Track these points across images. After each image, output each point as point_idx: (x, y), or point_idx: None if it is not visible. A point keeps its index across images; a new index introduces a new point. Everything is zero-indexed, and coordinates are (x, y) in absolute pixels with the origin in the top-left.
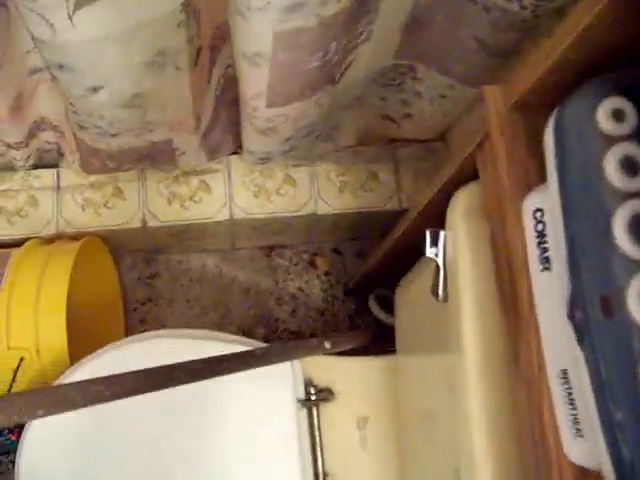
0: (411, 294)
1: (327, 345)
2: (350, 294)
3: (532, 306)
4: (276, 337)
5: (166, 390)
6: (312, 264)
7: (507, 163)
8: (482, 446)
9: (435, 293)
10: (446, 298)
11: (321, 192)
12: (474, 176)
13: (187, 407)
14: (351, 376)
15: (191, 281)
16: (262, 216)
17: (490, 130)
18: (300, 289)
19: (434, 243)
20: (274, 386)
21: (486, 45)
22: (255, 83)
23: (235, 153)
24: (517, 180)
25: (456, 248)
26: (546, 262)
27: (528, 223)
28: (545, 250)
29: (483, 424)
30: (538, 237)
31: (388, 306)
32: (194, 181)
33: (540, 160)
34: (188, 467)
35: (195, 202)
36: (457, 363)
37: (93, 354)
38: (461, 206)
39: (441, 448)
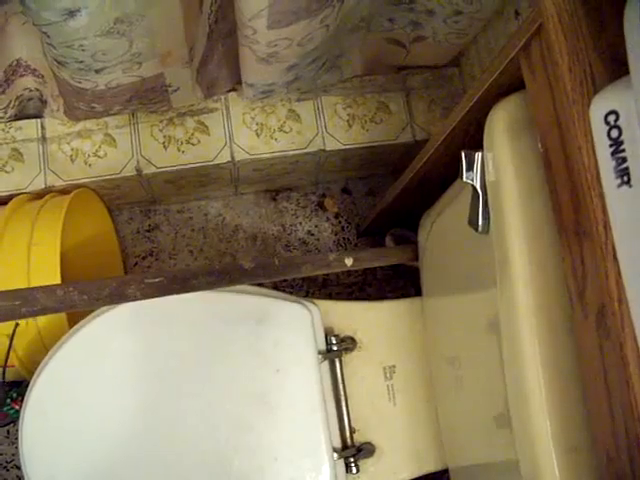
0: (439, 229)
1: (348, 262)
2: (363, 235)
3: (607, 230)
4: (287, 285)
5: (185, 344)
6: (321, 206)
7: (568, 59)
8: (537, 388)
9: (474, 224)
10: (487, 229)
11: (328, 127)
12: (513, 89)
13: (207, 359)
14: (374, 322)
15: (193, 231)
16: (266, 156)
17: (545, 21)
18: (310, 233)
19: (470, 167)
20: (293, 337)
21: None
22: (255, 0)
23: (233, 90)
24: (580, 80)
25: (498, 171)
26: (624, 175)
27: (598, 130)
28: (622, 161)
29: (538, 365)
30: (612, 146)
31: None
32: (190, 122)
33: (608, 54)
34: (207, 424)
35: (193, 145)
36: (505, 300)
37: (94, 313)
38: (502, 122)
39: (479, 393)
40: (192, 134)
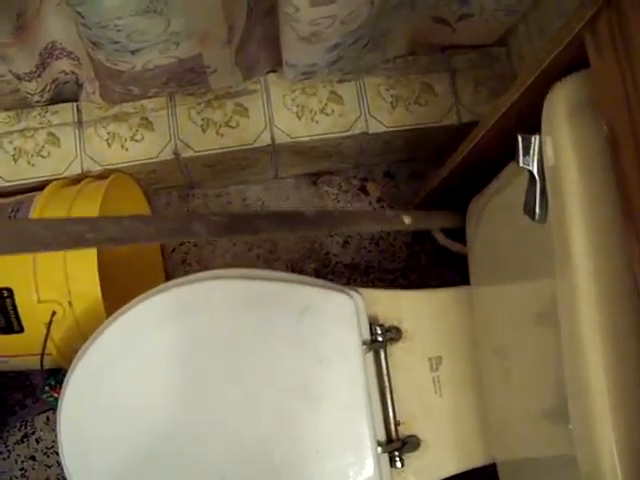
0: (490, 215)
1: (406, 220)
2: None
3: None
4: (329, 272)
5: (226, 333)
6: (363, 190)
7: None
8: (599, 385)
9: (530, 212)
10: (544, 217)
11: (371, 109)
12: (571, 69)
13: (250, 349)
14: (420, 311)
15: None
16: (307, 139)
17: None
18: None
19: (527, 151)
20: (337, 327)
21: None
22: None
23: (273, 71)
24: None
25: (558, 156)
26: None
27: None
28: None
29: (600, 361)
30: None
31: (453, 232)
32: (229, 105)
33: None
34: (247, 414)
35: (232, 127)
36: (566, 293)
37: (134, 300)
38: (562, 104)
39: (529, 386)
40: (231, 117)
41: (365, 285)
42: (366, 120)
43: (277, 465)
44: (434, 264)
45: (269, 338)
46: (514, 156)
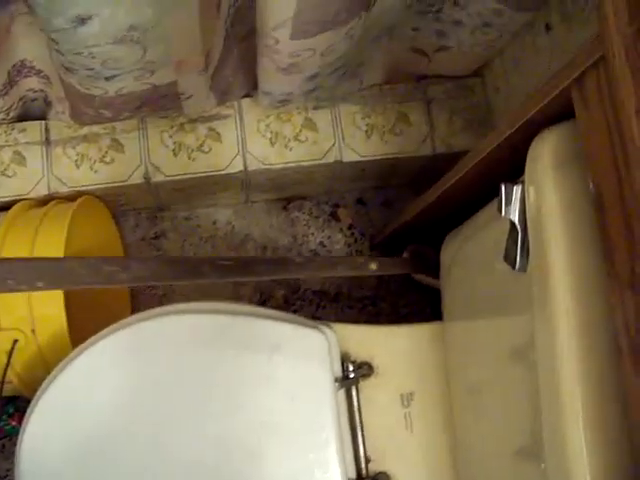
0: (467, 253)
1: (373, 266)
2: (377, 248)
3: None
4: (298, 298)
5: (195, 370)
6: (334, 216)
7: (636, 101)
8: (577, 439)
9: (511, 261)
10: (525, 267)
11: (346, 137)
12: (558, 118)
13: (218, 386)
14: (392, 347)
15: (201, 240)
16: (280, 166)
17: (610, 56)
18: (322, 244)
19: (509, 201)
20: (309, 365)
21: None
22: (280, 9)
23: (247, 96)
24: None
25: (542, 208)
26: None
27: None
28: None
29: (579, 413)
30: None
31: (425, 264)
32: (202, 129)
33: None
34: (218, 451)
35: (204, 152)
36: (545, 345)
37: (99, 334)
38: (547, 155)
39: (501, 424)
40: (204, 141)
41: (334, 312)
42: (340, 148)
43: None
44: (404, 292)
45: (238, 376)
46: (492, 198)
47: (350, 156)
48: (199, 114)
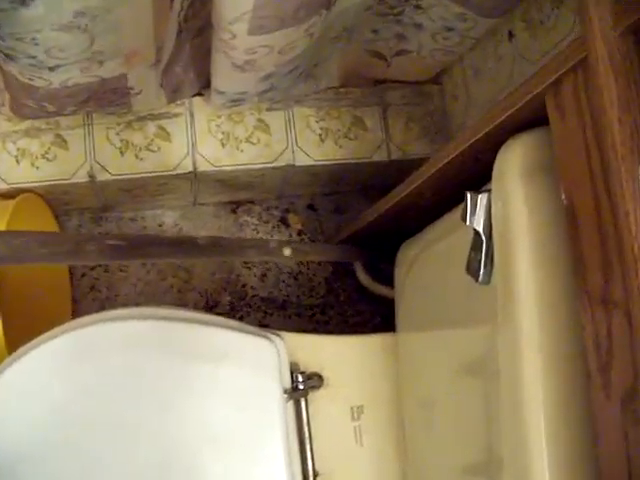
0: (424, 264)
1: (286, 252)
2: None
3: None
4: (245, 304)
5: (139, 376)
6: (284, 222)
7: (619, 107)
8: (539, 449)
9: (474, 273)
10: (488, 279)
11: (299, 140)
12: (526, 126)
13: (160, 397)
14: (343, 358)
15: None
16: (230, 168)
17: (593, 59)
18: None
19: (474, 210)
20: (257, 375)
21: None
22: (239, 1)
23: (199, 95)
24: (630, 133)
25: (509, 218)
26: None
27: None
28: None
29: (540, 424)
30: None
31: (377, 273)
32: (151, 127)
33: None
34: (158, 466)
35: (152, 152)
36: (508, 365)
37: (36, 340)
38: (515, 165)
39: (453, 439)
40: (152, 140)
41: (282, 320)
42: (293, 152)
43: None
44: (354, 301)
45: (182, 385)
46: (453, 207)
47: (303, 160)
48: (148, 111)
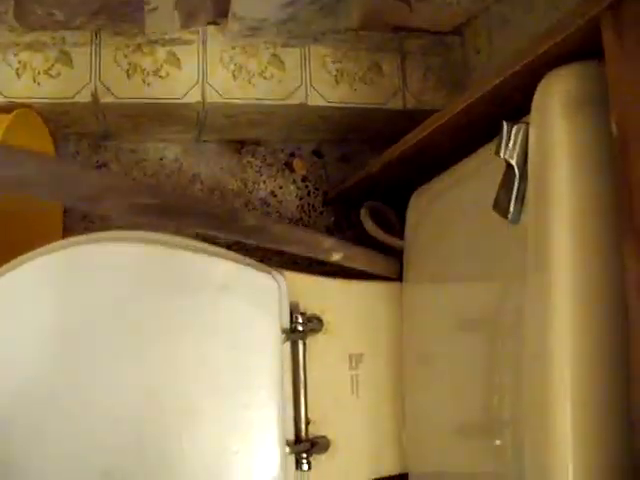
0: (439, 210)
1: (336, 256)
2: (330, 204)
3: None
4: (240, 249)
5: (131, 302)
6: (288, 166)
7: None
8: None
9: (502, 209)
10: (518, 218)
11: (313, 79)
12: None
13: (152, 327)
14: (345, 303)
15: (145, 175)
16: (241, 101)
17: None
18: (273, 194)
19: (508, 142)
20: (256, 312)
21: None
22: None
23: (214, 23)
24: None
25: (548, 152)
26: None
27: None
28: None
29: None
30: None
31: (382, 222)
32: (161, 52)
33: None
34: (144, 404)
35: (161, 77)
36: (537, 311)
37: (22, 257)
38: (559, 95)
39: (455, 396)
40: (161, 65)
41: (279, 266)
42: (306, 91)
43: (174, 460)
44: None
45: (176, 316)
46: (470, 153)
47: (316, 100)
48: (159, 35)
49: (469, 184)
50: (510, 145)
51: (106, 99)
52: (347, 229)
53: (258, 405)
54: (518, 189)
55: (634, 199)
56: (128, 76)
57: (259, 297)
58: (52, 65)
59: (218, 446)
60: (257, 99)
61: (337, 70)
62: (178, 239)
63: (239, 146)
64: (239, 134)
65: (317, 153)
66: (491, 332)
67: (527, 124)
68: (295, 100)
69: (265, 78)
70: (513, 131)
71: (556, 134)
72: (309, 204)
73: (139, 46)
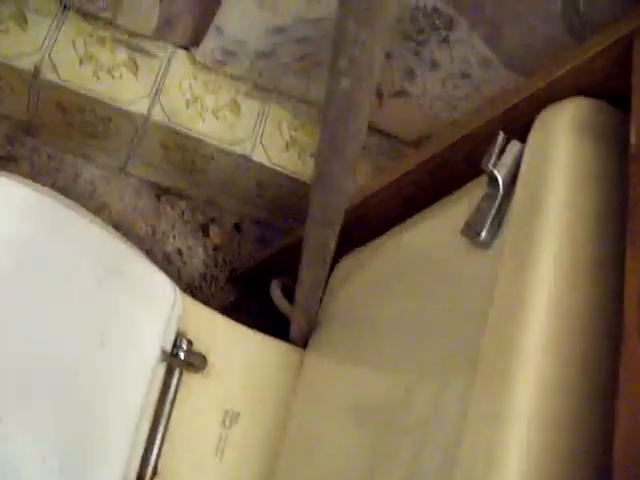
0: (358, 282)
1: None
2: (234, 282)
3: None
4: None
5: (27, 251)
6: (204, 230)
7: None
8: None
9: (474, 231)
10: (490, 241)
11: (265, 137)
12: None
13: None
14: (237, 350)
15: (53, 186)
16: (185, 131)
17: None
18: (179, 252)
19: (500, 156)
20: (142, 312)
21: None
22: None
23: (185, 49)
24: None
25: (544, 173)
26: None
27: None
28: None
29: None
30: None
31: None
32: (123, 53)
33: None
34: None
35: (113, 77)
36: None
37: None
38: (567, 118)
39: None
40: (118, 66)
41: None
42: (254, 145)
43: None
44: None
45: (53, 287)
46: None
47: (260, 157)
48: (128, 37)
49: (394, 255)
50: (501, 159)
51: (48, 76)
52: (245, 312)
53: (106, 425)
54: (498, 209)
55: None
56: (80, 62)
57: (151, 297)
58: (5, 21)
59: (38, 455)
60: (203, 135)
61: (291, 137)
62: (81, 209)
63: (161, 192)
64: (165, 178)
65: (238, 227)
66: (386, 427)
67: (522, 143)
68: (240, 150)
69: (217, 118)
70: (508, 146)
71: (557, 155)
72: (213, 276)
73: (103, 39)
